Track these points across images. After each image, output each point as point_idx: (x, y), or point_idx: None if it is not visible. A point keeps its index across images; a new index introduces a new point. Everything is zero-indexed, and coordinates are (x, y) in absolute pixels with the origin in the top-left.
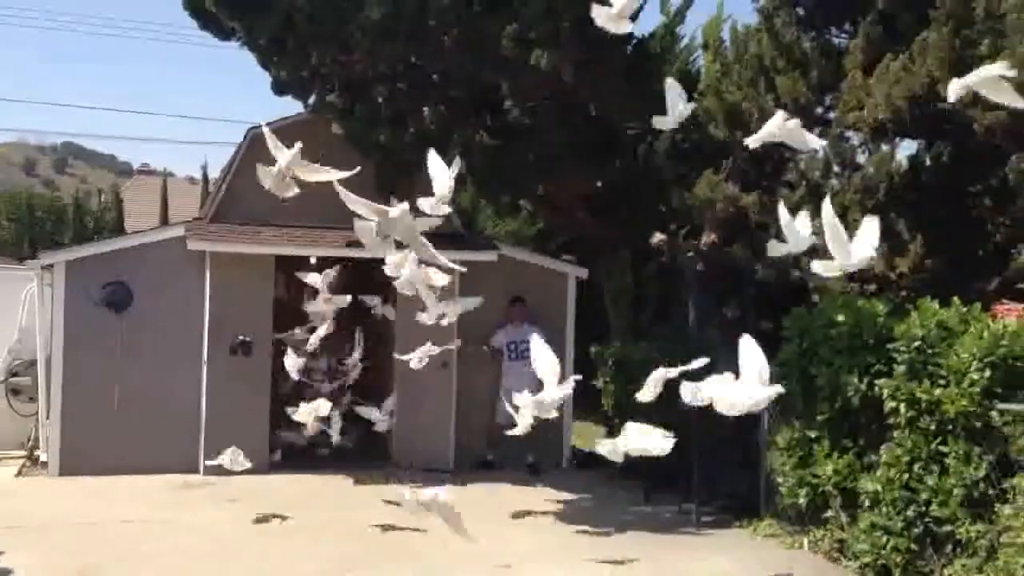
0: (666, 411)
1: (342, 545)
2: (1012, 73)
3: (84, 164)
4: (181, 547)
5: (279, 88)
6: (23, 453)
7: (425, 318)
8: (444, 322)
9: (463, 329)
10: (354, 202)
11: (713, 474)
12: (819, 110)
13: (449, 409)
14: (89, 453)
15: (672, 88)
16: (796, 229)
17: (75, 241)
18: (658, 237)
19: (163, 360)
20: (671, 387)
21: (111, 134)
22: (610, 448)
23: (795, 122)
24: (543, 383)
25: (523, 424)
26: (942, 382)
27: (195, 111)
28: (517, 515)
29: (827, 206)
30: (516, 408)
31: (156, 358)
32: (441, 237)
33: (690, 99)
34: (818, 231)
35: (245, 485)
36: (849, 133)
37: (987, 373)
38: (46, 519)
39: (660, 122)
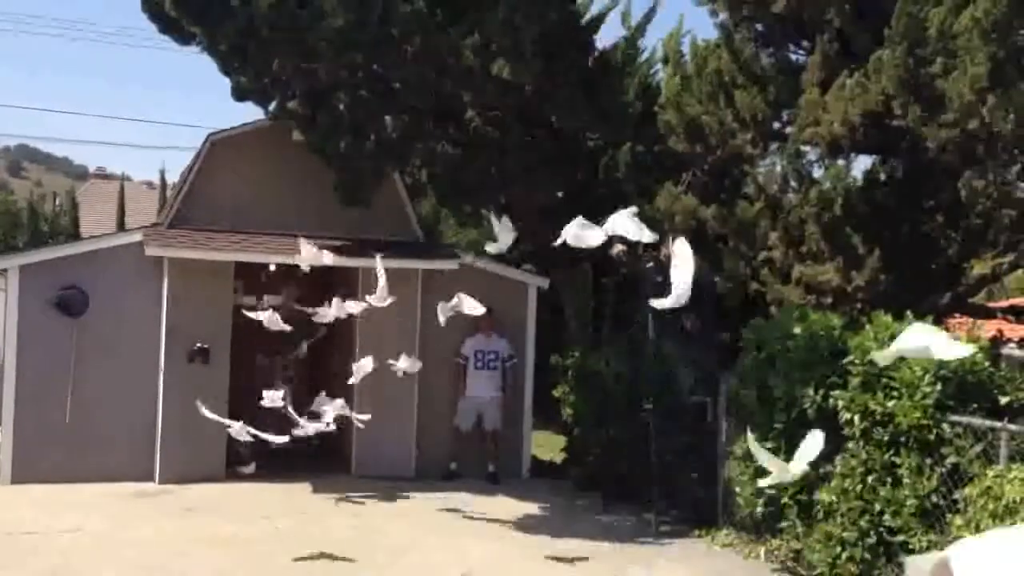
0: (628, 422)
1: (296, 555)
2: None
3: (38, 167)
4: (130, 559)
5: (240, 94)
6: None
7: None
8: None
9: (426, 340)
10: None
11: (672, 484)
12: (776, 125)
13: (411, 417)
14: (42, 461)
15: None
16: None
17: (30, 245)
18: (618, 248)
19: (119, 367)
20: (634, 399)
21: (66, 137)
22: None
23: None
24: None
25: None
26: (895, 394)
27: (153, 115)
28: (475, 524)
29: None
30: (479, 415)
31: (112, 365)
32: (403, 246)
33: (651, 112)
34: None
35: (200, 494)
36: (806, 148)
37: (939, 386)
38: None
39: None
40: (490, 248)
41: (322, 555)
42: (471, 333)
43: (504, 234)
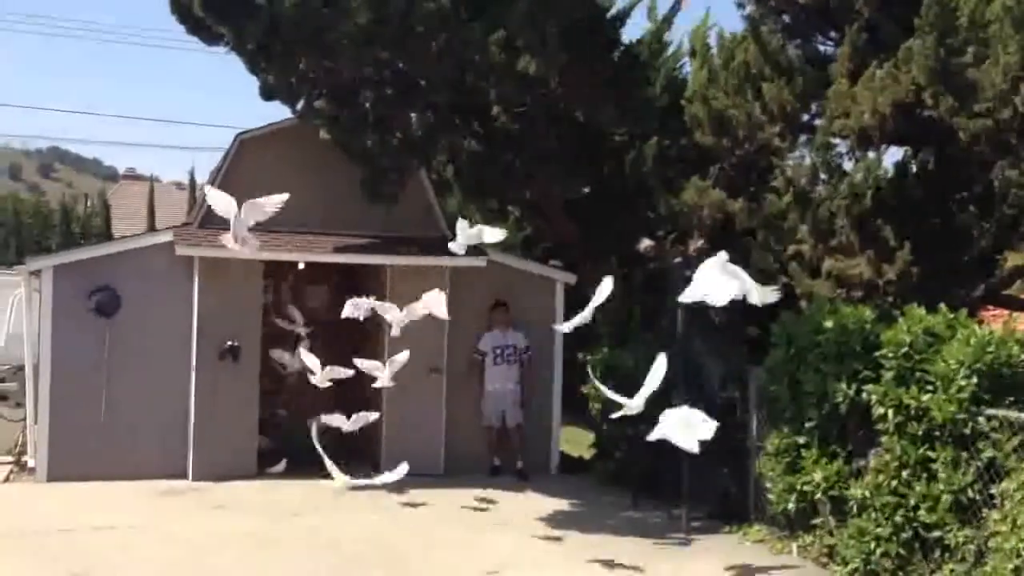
0: (657, 416)
1: (325, 553)
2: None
3: (69, 169)
4: (164, 556)
5: (267, 93)
6: (11, 459)
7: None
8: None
9: (454, 337)
10: None
11: (701, 480)
12: (805, 117)
13: (439, 413)
14: (77, 459)
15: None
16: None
17: (62, 246)
18: (645, 243)
19: (151, 365)
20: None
21: (96, 139)
22: None
23: None
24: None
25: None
26: (930, 388)
27: (182, 116)
28: (504, 520)
29: None
30: (503, 411)
31: (144, 363)
32: (429, 243)
33: (678, 105)
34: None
35: (232, 491)
36: (835, 140)
37: (974, 379)
38: (33, 526)
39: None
40: (452, 246)
41: (351, 552)
42: (487, 329)
43: (462, 235)
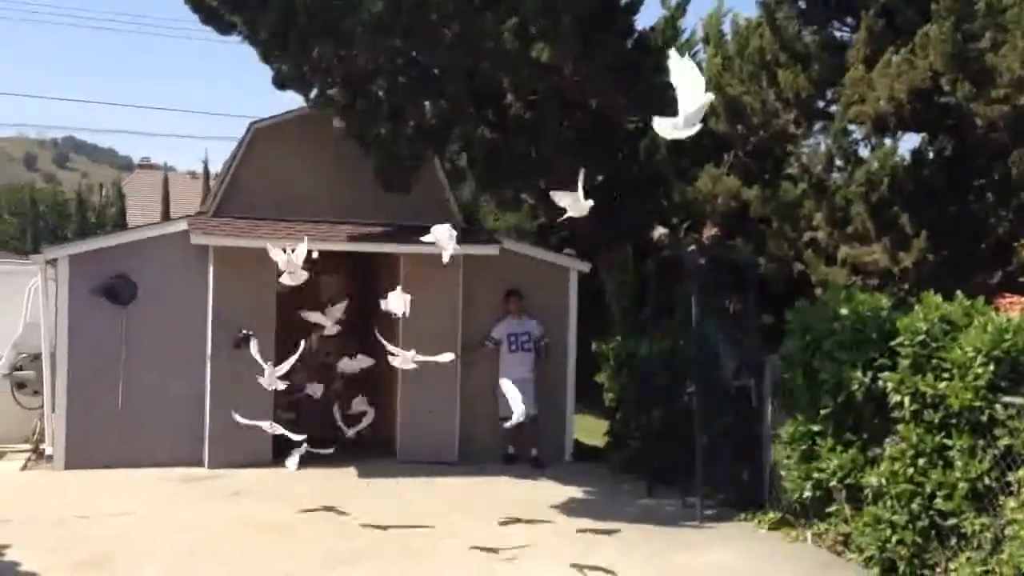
0: (671, 406)
1: (340, 540)
2: None
3: (84, 158)
4: (180, 543)
5: (280, 82)
6: (28, 447)
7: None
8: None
9: (468, 324)
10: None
11: (717, 467)
12: (821, 104)
13: (454, 402)
14: (94, 447)
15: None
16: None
17: (78, 235)
18: (660, 231)
19: (167, 354)
20: (677, 383)
21: (111, 128)
22: None
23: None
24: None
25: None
26: (946, 376)
27: (196, 105)
28: (519, 508)
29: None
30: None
31: (160, 352)
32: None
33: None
34: None
35: (248, 479)
36: (851, 127)
37: (991, 367)
38: (52, 513)
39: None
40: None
41: (366, 540)
42: (500, 317)
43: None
